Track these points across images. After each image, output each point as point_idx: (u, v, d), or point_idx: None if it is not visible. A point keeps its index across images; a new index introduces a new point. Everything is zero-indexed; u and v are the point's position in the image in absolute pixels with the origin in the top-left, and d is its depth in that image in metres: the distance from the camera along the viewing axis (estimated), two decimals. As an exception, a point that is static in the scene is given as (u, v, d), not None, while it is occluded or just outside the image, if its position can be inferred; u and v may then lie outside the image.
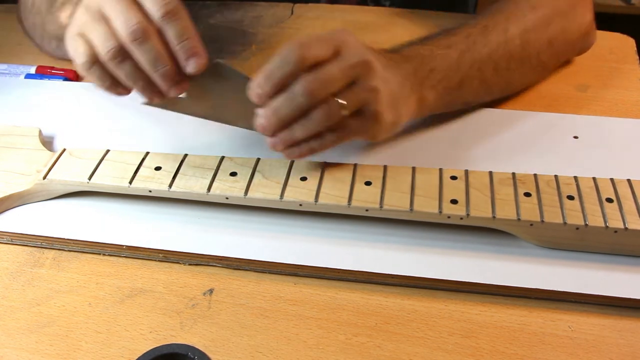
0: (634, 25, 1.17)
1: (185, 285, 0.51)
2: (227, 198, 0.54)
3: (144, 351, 0.45)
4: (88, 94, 0.71)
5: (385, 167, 0.55)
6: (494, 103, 0.68)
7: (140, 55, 0.49)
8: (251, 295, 0.50)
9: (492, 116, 0.66)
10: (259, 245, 0.53)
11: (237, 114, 0.53)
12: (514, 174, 0.53)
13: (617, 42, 0.80)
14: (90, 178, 0.56)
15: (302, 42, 0.48)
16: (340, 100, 0.49)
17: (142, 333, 0.47)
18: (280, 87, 0.49)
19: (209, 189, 0.54)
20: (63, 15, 0.61)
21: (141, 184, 0.55)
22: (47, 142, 0.64)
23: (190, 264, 0.53)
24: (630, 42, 0.80)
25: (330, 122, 0.50)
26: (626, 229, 0.48)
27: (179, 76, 0.50)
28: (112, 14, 0.49)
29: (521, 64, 0.65)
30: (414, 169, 0.54)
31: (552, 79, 0.72)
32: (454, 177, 0.53)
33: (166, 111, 0.56)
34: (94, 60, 0.50)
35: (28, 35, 0.71)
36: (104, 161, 0.57)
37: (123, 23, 0.48)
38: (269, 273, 0.52)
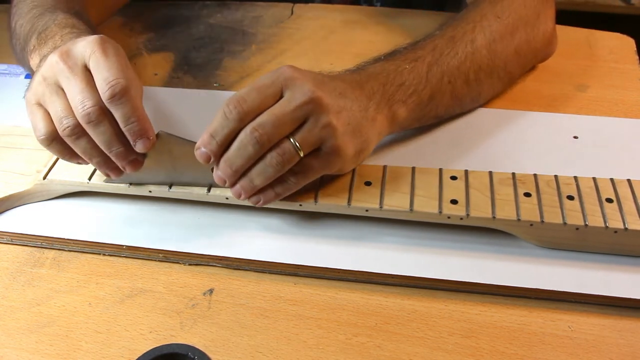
0: (634, 25, 1.17)
1: (185, 285, 0.51)
2: (227, 198, 0.54)
3: (144, 351, 0.45)
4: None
5: (385, 167, 0.55)
6: (494, 103, 0.68)
7: (95, 137, 0.50)
8: (251, 295, 0.50)
9: (492, 116, 0.66)
10: (259, 245, 0.53)
11: (195, 175, 0.53)
12: (513, 174, 0.53)
13: (617, 42, 0.80)
14: (90, 178, 0.56)
15: (240, 96, 0.48)
16: (292, 141, 0.48)
17: (142, 333, 0.47)
18: (228, 143, 0.49)
19: (209, 189, 0.54)
20: (32, 62, 0.61)
21: (141, 185, 0.55)
22: (47, 142, 0.64)
23: (190, 264, 0.53)
24: (630, 42, 0.80)
25: (287, 165, 0.49)
26: (626, 229, 0.48)
27: (134, 154, 0.51)
28: (68, 90, 0.50)
29: (489, 75, 0.64)
30: (413, 169, 0.54)
31: (552, 79, 0.72)
32: (454, 177, 0.53)
33: (166, 111, 0.56)
34: (53, 137, 0.51)
35: (12, 50, 0.72)
36: (104, 161, 0.57)
37: (78, 103, 0.48)
38: (269, 273, 0.52)
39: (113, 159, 0.51)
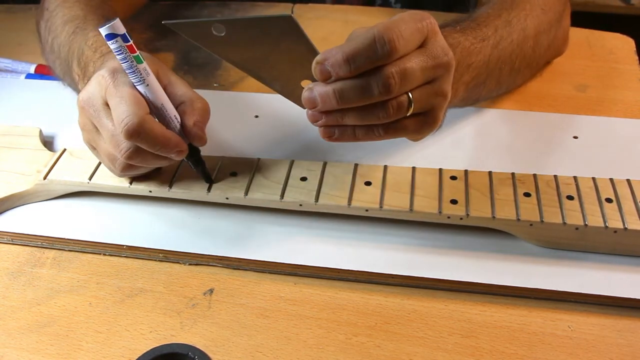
0: (634, 25, 1.18)
1: (185, 285, 0.51)
2: (227, 198, 0.54)
3: (144, 351, 0.45)
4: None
5: (385, 167, 0.55)
6: (494, 103, 0.68)
7: (143, 164, 0.52)
8: (251, 295, 0.50)
9: (492, 116, 0.66)
10: (259, 245, 0.53)
11: (279, 75, 0.46)
12: (513, 174, 0.53)
13: (617, 42, 0.80)
14: (90, 178, 0.56)
15: (398, 33, 0.42)
16: (410, 97, 0.44)
17: (142, 333, 0.47)
18: (360, 72, 0.43)
19: (209, 189, 0.54)
20: (78, 86, 0.62)
21: (141, 184, 0.55)
22: (48, 142, 0.64)
23: (190, 264, 0.53)
24: (630, 42, 0.80)
25: (392, 119, 0.45)
26: (626, 229, 0.48)
27: (179, 146, 0.51)
28: (102, 132, 0.51)
29: (527, 65, 0.65)
30: (413, 169, 0.54)
31: (552, 79, 0.72)
32: (453, 177, 0.53)
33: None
34: (126, 167, 0.52)
35: (45, 59, 0.73)
36: (104, 161, 0.57)
37: (115, 149, 0.50)
38: (269, 273, 0.52)
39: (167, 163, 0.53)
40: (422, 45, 0.45)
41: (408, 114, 0.46)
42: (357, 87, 0.43)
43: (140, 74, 0.49)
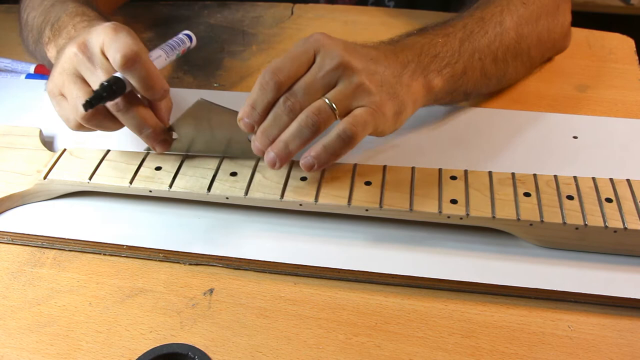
0: (634, 25, 1.18)
1: (185, 285, 0.51)
2: (227, 198, 0.54)
3: (144, 351, 0.45)
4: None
5: (385, 167, 0.55)
6: (494, 103, 0.68)
7: (125, 122, 0.54)
8: (251, 295, 0.50)
9: (492, 116, 0.66)
10: (259, 245, 0.53)
11: (232, 144, 0.55)
12: (513, 174, 0.53)
13: (617, 42, 0.80)
14: (90, 178, 0.56)
15: (275, 66, 0.49)
16: (324, 99, 0.49)
17: (142, 333, 0.47)
18: (268, 112, 0.50)
19: (209, 189, 0.54)
20: (49, 54, 0.64)
21: (141, 184, 0.55)
22: (48, 142, 0.64)
23: (190, 264, 0.53)
24: (630, 42, 0.80)
25: (323, 125, 0.50)
26: (625, 229, 0.48)
27: (163, 135, 0.55)
28: (91, 81, 0.53)
29: (515, 57, 0.66)
30: (413, 169, 0.54)
31: (552, 79, 0.72)
32: (453, 177, 0.53)
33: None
34: (79, 125, 0.55)
35: (22, 43, 0.74)
36: (104, 161, 0.57)
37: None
38: (269, 273, 0.52)
39: (143, 140, 0.54)
40: (314, 61, 0.50)
41: (337, 112, 0.50)
42: (271, 121, 0.50)
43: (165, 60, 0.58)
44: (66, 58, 0.53)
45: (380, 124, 0.52)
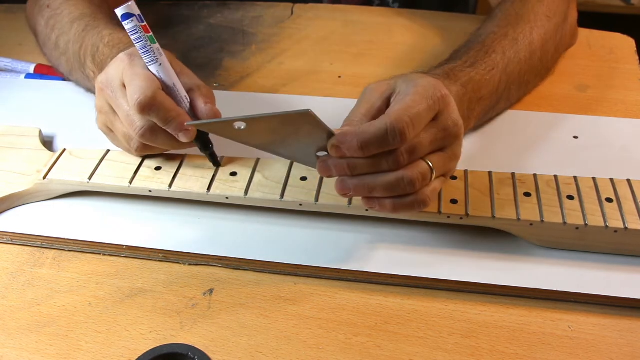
0: (634, 25, 1.18)
1: (185, 285, 0.51)
2: (227, 198, 0.54)
3: (144, 351, 0.45)
4: (88, 94, 0.71)
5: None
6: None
7: (157, 145, 0.54)
8: (251, 295, 0.50)
9: (492, 116, 0.66)
10: (259, 245, 0.53)
11: (296, 151, 0.49)
12: (513, 174, 0.53)
13: (617, 42, 0.80)
14: (90, 178, 0.56)
15: (409, 119, 0.45)
16: (430, 164, 0.47)
17: (142, 333, 0.47)
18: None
19: (209, 189, 0.54)
20: (93, 83, 0.62)
21: (141, 184, 0.55)
22: (47, 142, 0.64)
23: (190, 264, 0.53)
24: (630, 42, 0.80)
25: (419, 188, 0.46)
26: (626, 228, 0.48)
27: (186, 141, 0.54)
28: (118, 112, 0.54)
29: (536, 75, 0.66)
30: (414, 169, 0.54)
31: (552, 79, 0.72)
32: (453, 177, 0.53)
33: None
34: (143, 148, 0.55)
35: (45, 55, 0.74)
36: (104, 161, 0.57)
37: (130, 128, 0.53)
38: (269, 273, 0.52)
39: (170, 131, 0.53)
40: (435, 118, 0.47)
41: (434, 176, 0.47)
42: (369, 164, 0.46)
43: (154, 54, 0.52)
44: (97, 98, 0.56)
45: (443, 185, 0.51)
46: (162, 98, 0.51)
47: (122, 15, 0.50)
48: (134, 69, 0.52)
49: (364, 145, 0.45)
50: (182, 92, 0.54)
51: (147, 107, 0.50)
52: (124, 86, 0.53)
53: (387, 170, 0.46)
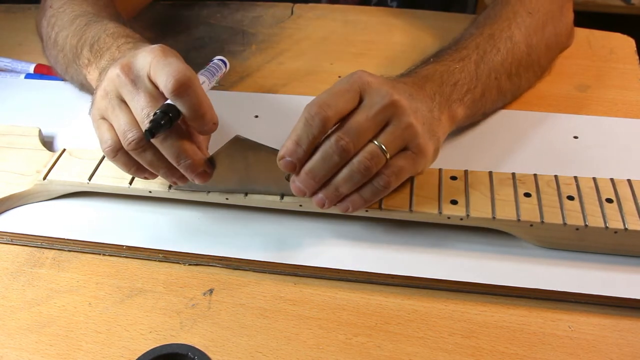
0: (634, 25, 1.17)
1: (185, 285, 0.51)
2: (227, 199, 0.54)
3: (144, 351, 0.45)
4: (88, 94, 0.71)
5: (385, 167, 0.54)
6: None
7: (163, 150, 0.49)
8: (251, 295, 0.50)
9: (492, 116, 0.66)
10: (259, 245, 0.53)
11: (267, 182, 0.52)
12: (513, 174, 0.53)
13: (617, 42, 0.80)
14: (90, 178, 0.56)
15: (321, 101, 0.47)
16: (377, 144, 0.48)
17: (142, 333, 0.47)
18: (312, 151, 0.48)
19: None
20: (89, 76, 0.61)
21: (141, 185, 0.55)
22: (47, 142, 0.64)
23: (190, 264, 0.53)
24: (630, 42, 0.80)
25: (375, 169, 0.48)
26: (626, 229, 0.48)
27: (203, 166, 0.50)
28: (132, 104, 0.49)
29: (527, 69, 0.66)
30: (414, 169, 0.54)
31: (552, 79, 0.72)
32: (453, 177, 0.53)
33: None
34: (118, 148, 0.50)
35: (47, 59, 0.72)
36: (104, 161, 0.57)
37: (144, 117, 0.48)
38: (269, 273, 0.52)
39: (182, 171, 0.50)
40: (361, 100, 0.48)
41: (389, 157, 0.48)
42: (319, 161, 0.47)
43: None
44: (108, 80, 0.50)
45: (419, 167, 0.51)
46: (199, 85, 0.48)
47: (221, 59, 0.60)
48: (169, 59, 0.48)
49: (297, 141, 0.47)
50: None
51: (184, 85, 0.46)
52: (150, 81, 0.49)
53: (341, 163, 0.47)
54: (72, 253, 0.54)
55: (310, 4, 0.90)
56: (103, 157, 0.58)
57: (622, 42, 0.80)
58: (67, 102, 0.71)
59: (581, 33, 0.80)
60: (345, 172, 0.48)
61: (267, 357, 0.46)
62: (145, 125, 0.47)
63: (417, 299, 0.49)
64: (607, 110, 0.68)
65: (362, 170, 0.47)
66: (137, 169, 0.51)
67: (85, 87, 0.66)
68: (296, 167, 0.48)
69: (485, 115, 0.65)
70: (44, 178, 0.57)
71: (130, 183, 0.55)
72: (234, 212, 0.56)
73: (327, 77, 0.75)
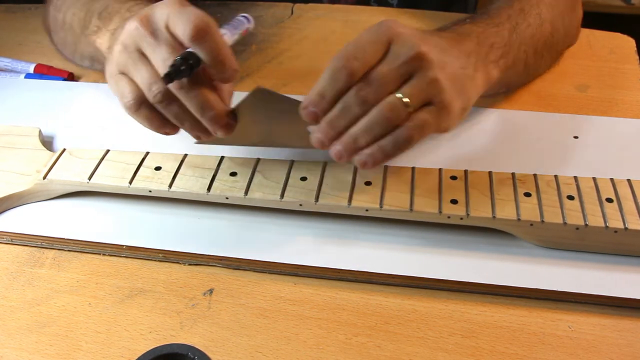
0: (634, 25, 1.18)
1: (185, 285, 0.51)
2: (227, 198, 0.54)
3: (144, 351, 0.45)
4: (88, 94, 0.71)
5: (385, 167, 0.54)
6: (495, 103, 0.68)
7: (187, 101, 0.48)
8: (251, 295, 0.50)
9: (492, 116, 0.66)
10: (259, 245, 0.53)
11: (289, 135, 0.51)
12: (513, 174, 0.53)
13: (617, 42, 0.80)
14: (90, 178, 0.56)
15: (348, 53, 0.46)
16: (399, 96, 0.46)
17: (142, 333, 0.47)
18: (335, 101, 0.47)
19: (209, 189, 0.54)
20: (98, 41, 0.60)
21: (141, 184, 0.55)
22: (47, 142, 0.64)
23: (190, 264, 0.53)
24: (630, 42, 0.80)
25: (395, 121, 0.47)
26: (626, 229, 0.48)
27: (226, 118, 0.50)
28: (153, 57, 0.48)
29: (549, 49, 0.66)
30: (413, 169, 0.54)
31: (552, 79, 0.72)
32: (453, 177, 0.53)
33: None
34: (141, 102, 0.49)
35: (57, 47, 0.72)
36: (104, 161, 0.57)
37: (165, 68, 0.47)
38: (269, 273, 0.52)
39: (206, 123, 0.49)
40: (388, 51, 0.47)
41: (411, 109, 0.47)
42: (341, 111, 0.47)
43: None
44: (127, 33, 0.49)
45: (443, 124, 0.49)
46: (218, 31, 0.47)
47: (244, 16, 0.58)
48: (187, 7, 0.47)
49: (322, 93, 0.46)
50: None
51: (202, 31, 0.46)
52: (169, 32, 0.48)
53: (361, 114, 0.47)
54: (72, 253, 0.54)
55: (310, 4, 0.90)
56: (103, 157, 0.58)
57: (622, 42, 0.80)
58: (67, 102, 0.71)
59: (582, 33, 0.80)
60: (364, 122, 0.47)
61: (267, 357, 0.45)
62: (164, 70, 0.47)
63: (417, 299, 0.49)
64: (607, 110, 0.67)
65: (382, 122, 0.46)
66: (159, 124, 0.51)
67: (96, 60, 0.65)
68: (318, 117, 0.47)
69: (508, 88, 0.64)
70: (44, 177, 0.57)
71: (130, 183, 0.55)
72: (234, 211, 0.56)
73: (327, 77, 0.75)
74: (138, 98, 0.49)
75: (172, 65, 0.46)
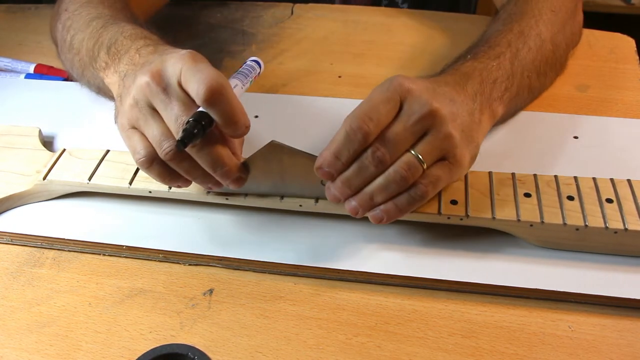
0: (634, 25, 1.18)
1: (185, 285, 0.51)
2: (227, 199, 0.54)
3: (144, 351, 0.45)
4: (88, 94, 0.71)
5: (385, 167, 0.54)
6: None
7: (199, 159, 0.49)
8: (251, 295, 0.50)
9: (492, 116, 0.66)
10: (259, 245, 0.53)
11: (301, 187, 0.52)
12: (513, 174, 0.53)
13: (617, 42, 0.80)
14: (90, 178, 0.56)
15: (363, 114, 0.46)
16: (414, 153, 0.47)
17: (142, 333, 0.47)
18: (351, 162, 0.48)
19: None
20: (107, 80, 0.60)
21: (141, 185, 0.55)
22: (47, 142, 0.64)
23: (190, 264, 0.53)
24: (630, 42, 0.80)
25: (411, 179, 0.47)
26: (626, 229, 0.48)
27: (238, 172, 0.50)
28: (165, 114, 0.48)
29: (552, 67, 0.66)
30: (414, 169, 0.54)
31: (552, 78, 0.72)
32: (453, 177, 0.53)
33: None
34: (153, 158, 0.49)
35: (63, 64, 0.71)
36: (104, 161, 0.57)
37: (179, 127, 0.47)
38: (269, 273, 0.52)
39: (218, 178, 0.50)
40: (401, 108, 0.48)
41: (426, 167, 0.48)
42: (357, 171, 0.47)
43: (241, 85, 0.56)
44: (138, 88, 0.49)
45: (455, 176, 0.51)
46: (232, 91, 0.47)
47: (255, 60, 0.58)
48: (200, 65, 0.47)
49: (337, 154, 0.47)
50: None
51: (217, 93, 0.45)
52: (181, 88, 0.48)
53: (377, 173, 0.47)
54: (72, 253, 0.54)
55: (310, 4, 0.90)
56: (103, 157, 0.58)
57: (622, 42, 0.80)
58: (67, 102, 0.71)
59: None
60: (380, 181, 0.48)
61: (267, 357, 0.46)
62: (178, 135, 0.47)
63: (417, 299, 0.49)
64: (607, 110, 0.67)
65: (398, 180, 0.47)
66: (171, 178, 0.51)
67: (103, 91, 0.65)
68: (334, 176, 0.48)
69: (515, 114, 0.64)
70: (44, 178, 0.57)
71: (130, 183, 0.55)
72: (234, 212, 0.56)
73: (327, 77, 0.75)
74: (150, 155, 0.49)
75: (185, 130, 0.45)
